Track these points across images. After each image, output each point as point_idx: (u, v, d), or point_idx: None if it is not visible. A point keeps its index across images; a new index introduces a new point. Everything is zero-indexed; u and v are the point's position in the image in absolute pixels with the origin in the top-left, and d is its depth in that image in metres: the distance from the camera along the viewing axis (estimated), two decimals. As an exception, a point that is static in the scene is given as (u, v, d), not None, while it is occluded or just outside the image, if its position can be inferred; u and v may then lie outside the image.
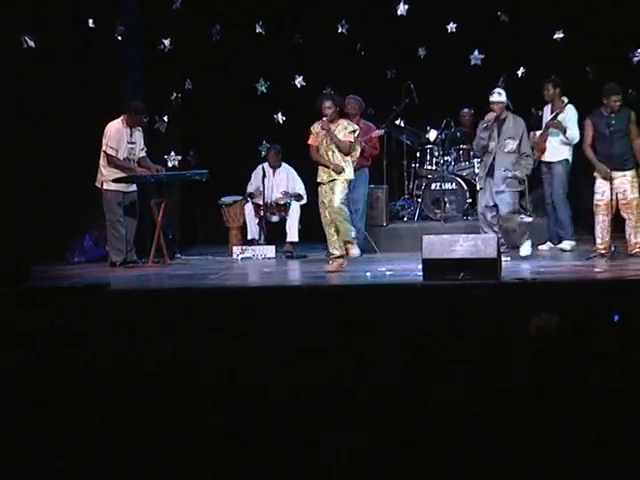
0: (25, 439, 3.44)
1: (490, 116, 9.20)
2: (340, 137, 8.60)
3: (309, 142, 8.77)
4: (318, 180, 8.73)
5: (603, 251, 8.90)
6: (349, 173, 8.69)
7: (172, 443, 3.38)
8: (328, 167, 8.62)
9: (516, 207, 9.26)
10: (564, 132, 9.74)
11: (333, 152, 8.64)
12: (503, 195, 9.13)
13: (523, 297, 6.57)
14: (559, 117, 9.78)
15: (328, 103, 8.67)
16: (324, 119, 8.62)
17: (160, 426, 3.47)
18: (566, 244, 9.90)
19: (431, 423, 3.30)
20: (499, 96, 9.22)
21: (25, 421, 3.54)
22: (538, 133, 10.04)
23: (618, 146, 8.95)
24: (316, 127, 8.73)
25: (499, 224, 9.20)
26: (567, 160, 9.88)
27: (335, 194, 8.57)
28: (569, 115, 9.80)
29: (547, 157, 9.93)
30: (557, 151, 9.89)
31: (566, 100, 9.83)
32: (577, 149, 9.78)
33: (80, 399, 3.65)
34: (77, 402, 3.62)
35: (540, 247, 9.99)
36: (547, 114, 10.04)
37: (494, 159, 9.19)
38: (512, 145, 9.14)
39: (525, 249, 9.22)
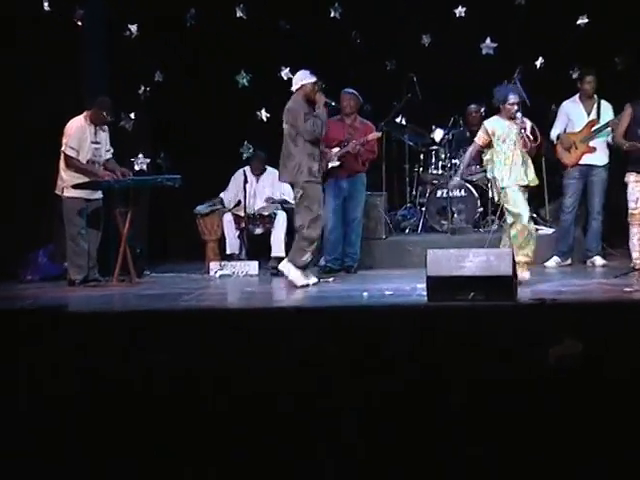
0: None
1: None
2: None
3: None
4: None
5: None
6: None
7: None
8: None
9: None
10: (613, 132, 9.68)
11: None
12: None
13: (542, 321, 6.59)
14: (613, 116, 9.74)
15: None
16: None
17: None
18: (599, 259, 9.97)
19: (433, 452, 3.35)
20: None
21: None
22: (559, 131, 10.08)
23: None
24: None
25: None
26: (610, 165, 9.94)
27: None
28: (610, 113, 9.82)
29: (593, 160, 9.94)
30: (605, 154, 9.91)
31: (596, 97, 9.91)
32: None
33: (33, 427, 3.71)
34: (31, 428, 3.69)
35: (546, 264, 9.96)
36: (575, 111, 10.01)
37: None
38: None
39: None
